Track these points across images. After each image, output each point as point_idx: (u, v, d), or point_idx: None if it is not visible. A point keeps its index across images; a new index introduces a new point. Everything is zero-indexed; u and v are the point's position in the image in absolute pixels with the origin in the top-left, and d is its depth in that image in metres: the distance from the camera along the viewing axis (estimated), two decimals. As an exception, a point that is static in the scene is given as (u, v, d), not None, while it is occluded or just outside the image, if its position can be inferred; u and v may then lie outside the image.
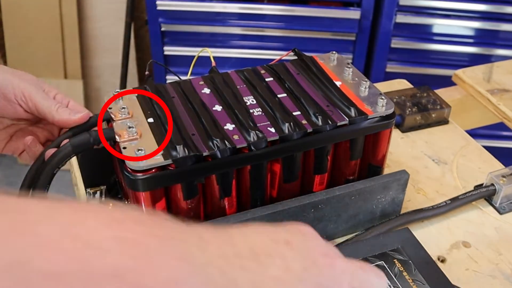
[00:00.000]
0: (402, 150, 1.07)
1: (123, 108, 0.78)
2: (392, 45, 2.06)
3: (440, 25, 2.08)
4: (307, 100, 0.83)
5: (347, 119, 0.80)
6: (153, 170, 0.70)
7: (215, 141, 0.73)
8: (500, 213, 0.94)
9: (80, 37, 2.59)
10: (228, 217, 0.76)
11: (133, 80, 2.74)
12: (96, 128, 0.76)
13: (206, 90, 0.84)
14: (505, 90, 1.27)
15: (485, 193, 0.94)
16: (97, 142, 0.75)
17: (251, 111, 0.80)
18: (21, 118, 0.80)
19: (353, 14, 2.01)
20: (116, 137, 0.73)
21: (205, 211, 0.79)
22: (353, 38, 2.08)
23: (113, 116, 0.77)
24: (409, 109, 1.11)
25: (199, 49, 1.13)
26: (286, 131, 0.77)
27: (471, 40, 2.11)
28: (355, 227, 0.87)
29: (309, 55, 0.94)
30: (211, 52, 0.94)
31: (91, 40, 2.64)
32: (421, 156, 1.06)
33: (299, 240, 0.51)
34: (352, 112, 0.81)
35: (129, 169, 0.70)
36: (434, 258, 0.83)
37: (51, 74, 2.55)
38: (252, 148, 0.75)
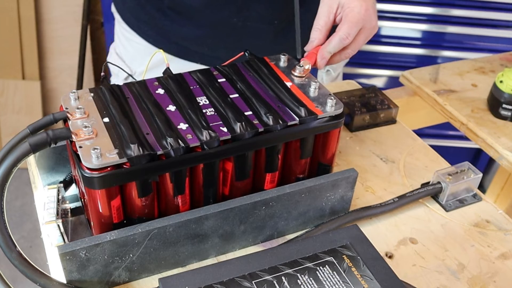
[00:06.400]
0: (351, 149, 1.08)
1: (79, 108, 0.78)
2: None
3: (388, 27, 2.10)
4: (258, 100, 0.84)
5: (297, 119, 0.82)
6: (109, 169, 0.71)
7: (168, 140, 0.74)
8: (446, 210, 0.96)
9: (37, 39, 2.57)
10: (181, 214, 0.77)
11: (89, 81, 2.73)
12: (53, 127, 0.76)
13: (160, 91, 0.85)
14: (451, 90, 1.29)
15: (431, 191, 0.96)
16: (55, 140, 0.75)
17: (204, 111, 0.81)
18: None
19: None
20: (73, 136, 0.74)
21: (159, 208, 0.80)
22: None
23: (69, 115, 0.78)
24: (358, 109, 1.12)
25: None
26: (238, 130, 0.78)
27: (418, 42, 2.13)
28: (305, 224, 0.89)
29: (260, 57, 0.95)
30: (164, 54, 0.94)
31: (49, 42, 2.62)
32: (369, 155, 1.07)
33: None
34: (302, 112, 0.83)
35: (85, 167, 0.71)
36: (382, 254, 0.85)
37: (9, 75, 2.51)
38: (205, 147, 0.76)
